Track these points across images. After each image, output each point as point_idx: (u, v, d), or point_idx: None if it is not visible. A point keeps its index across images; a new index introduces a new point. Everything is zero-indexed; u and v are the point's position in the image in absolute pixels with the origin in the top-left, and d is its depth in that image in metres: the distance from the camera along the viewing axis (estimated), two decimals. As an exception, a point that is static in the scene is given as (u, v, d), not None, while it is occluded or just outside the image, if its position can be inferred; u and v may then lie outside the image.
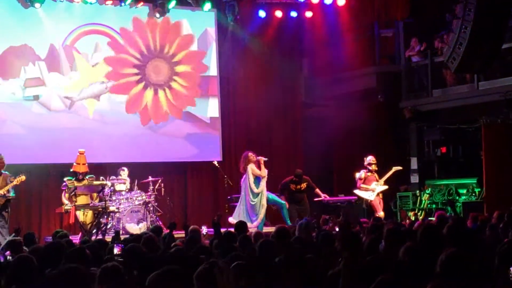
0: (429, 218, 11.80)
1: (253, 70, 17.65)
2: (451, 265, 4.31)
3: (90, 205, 13.31)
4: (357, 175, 14.95)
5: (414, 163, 17.53)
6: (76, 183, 13.29)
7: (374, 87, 18.15)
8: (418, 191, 16.70)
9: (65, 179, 13.54)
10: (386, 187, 14.87)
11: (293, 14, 17.72)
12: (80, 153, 13.63)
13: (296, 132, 18.35)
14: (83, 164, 13.59)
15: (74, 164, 13.62)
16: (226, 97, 17.46)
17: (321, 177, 16.30)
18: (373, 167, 14.87)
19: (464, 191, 15.99)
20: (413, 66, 17.81)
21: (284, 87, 18.19)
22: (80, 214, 13.17)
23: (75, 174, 13.56)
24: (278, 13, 17.54)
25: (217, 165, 15.19)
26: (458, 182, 16.36)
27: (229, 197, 15.42)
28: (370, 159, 14.94)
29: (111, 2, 15.78)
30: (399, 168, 15.10)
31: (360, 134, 17.57)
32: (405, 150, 17.94)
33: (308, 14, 17.74)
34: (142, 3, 16.04)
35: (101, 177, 13.77)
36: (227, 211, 15.15)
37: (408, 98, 17.73)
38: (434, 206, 16.00)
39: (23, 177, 12.89)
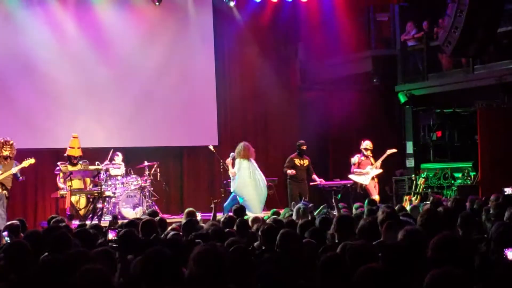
0: (425, 202, 11.78)
1: (248, 54, 17.61)
2: (442, 248, 4.30)
3: (85, 190, 13.33)
4: (352, 160, 14.99)
5: (409, 147, 17.54)
6: (70, 167, 13.29)
7: (369, 71, 18.14)
8: (413, 175, 16.72)
9: (58, 163, 13.53)
10: (380, 170, 14.88)
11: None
12: (74, 137, 13.61)
13: (292, 116, 18.32)
14: (78, 148, 13.59)
15: (68, 148, 13.62)
16: (222, 81, 17.41)
17: (316, 161, 16.28)
18: (368, 153, 14.90)
19: (460, 175, 16.01)
20: (408, 50, 17.78)
21: (280, 71, 18.16)
22: (74, 198, 13.17)
23: (69, 158, 13.57)
24: (274, -3, 17.47)
25: (212, 149, 15.16)
26: (454, 166, 16.39)
27: (225, 182, 15.43)
28: (366, 144, 14.96)
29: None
30: (394, 150, 15.10)
31: (355, 118, 17.57)
32: (400, 134, 17.95)
33: (304, -2, 17.67)
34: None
35: (96, 162, 13.73)
36: (223, 195, 15.18)
37: (404, 82, 17.72)
38: (429, 190, 16.02)
39: (32, 160, 12.88)
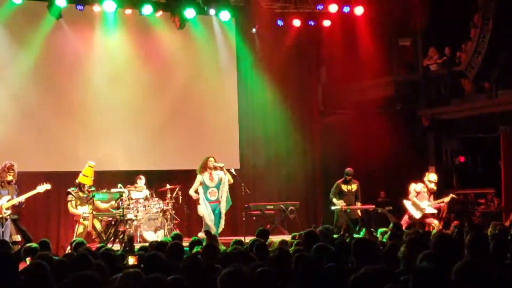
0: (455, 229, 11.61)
1: (271, 78, 17.65)
2: (465, 273, 4.28)
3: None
4: (413, 186, 14.55)
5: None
6: (81, 194, 13.13)
7: (392, 95, 18.10)
8: (436, 200, 16.57)
9: (69, 189, 13.36)
10: (435, 211, 14.47)
11: (311, 23, 17.73)
12: (90, 166, 13.37)
13: (314, 141, 18.32)
14: (91, 177, 13.31)
15: (82, 175, 13.34)
16: (244, 104, 17.46)
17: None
18: (433, 186, 14.46)
19: (483, 200, 15.89)
20: (431, 75, 17.74)
21: (302, 95, 18.20)
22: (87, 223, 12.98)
23: (79, 185, 13.37)
24: (296, 22, 17.55)
25: (234, 173, 15.08)
26: (477, 191, 16.27)
27: (246, 206, 15.41)
28: (432, 177, 14.55)
29: (130, 11, 15.90)
30: (455, 196, 14.74)
31: (378, 143, 17.51)
32: (424, 159, 17.85)
33: (326, 23, 17.73)
34: (161, 12, 16.15)
35: (118, 185, 13.72)
36: (244, 219, 15.13)
37: (427, 107, 17.66)
38: (452, 215, 15.87)
39: (48, 186, 12.77)
